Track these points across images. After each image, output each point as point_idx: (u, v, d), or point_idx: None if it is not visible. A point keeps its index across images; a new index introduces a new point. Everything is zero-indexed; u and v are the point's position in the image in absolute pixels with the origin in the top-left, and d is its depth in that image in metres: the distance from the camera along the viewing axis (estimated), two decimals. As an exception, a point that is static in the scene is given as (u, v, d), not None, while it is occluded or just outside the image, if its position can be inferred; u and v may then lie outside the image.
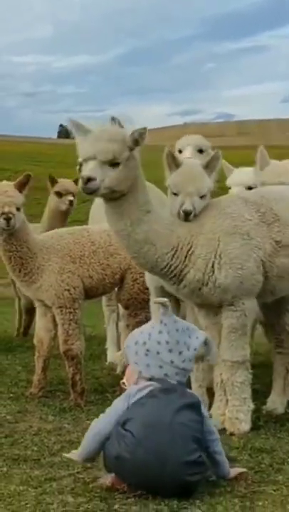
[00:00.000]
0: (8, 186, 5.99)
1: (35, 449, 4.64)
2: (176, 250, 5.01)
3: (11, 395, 6.12)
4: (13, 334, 9.43)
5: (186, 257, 5.01)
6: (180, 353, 4.06)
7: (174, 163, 5.14)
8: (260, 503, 3.75)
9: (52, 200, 8.05)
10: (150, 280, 5.63)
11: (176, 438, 3.79)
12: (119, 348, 6.84)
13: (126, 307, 6.39)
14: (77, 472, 4.00)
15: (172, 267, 5.02)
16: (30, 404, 5.86)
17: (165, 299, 4.17)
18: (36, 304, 6.25)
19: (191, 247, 5.02)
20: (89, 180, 4.67)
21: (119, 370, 4.31)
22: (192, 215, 5.02)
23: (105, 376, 6.96)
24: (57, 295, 5.91)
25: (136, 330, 4.27)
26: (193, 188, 5.04)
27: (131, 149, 4.79)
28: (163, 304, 4.11)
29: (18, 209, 5.88)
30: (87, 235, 6.19)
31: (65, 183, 8.07)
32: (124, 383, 4.17)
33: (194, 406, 3.97)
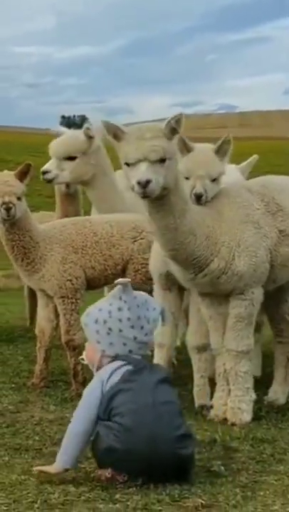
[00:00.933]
0: (8, 176, 5.94)
1: (37, 438, 4.65)
2: (208, 239, 4.97)
3: (13, 385, 6.13)
4: (16, 324, 9.41)
5: (213, 245, 4.98)
6: (142, 327, 4.07)
7: (186, 148, 5.13)
8: (262, 493, 3.75)
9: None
10: (154, 267, 5.59)
11: (162, 416, 3.83)
12: None
13: None
14: (79, 462, 4.00)
15: (202, 257, 4.97)
16: (32, 395, 5.87)
17: (127, 280, 4.18)
18: (38, 294, 6.25)
19: (216, 236, 4.99)
20: (148, 183, 4.44)
21: None
22: (204, 198, 5.03)
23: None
24: (59, 285, 5.90)
25: (91, 307, 4.21)
26: (203, 171, 5.05)
27: (170, 140, 4.61)
28: (124, 285, 4.11)
29: (18, 198, 5.83)
30: (90, 225, 6.18)
31: None
32: (83, 359, 4.19)
33: (167, 379, 4.04)
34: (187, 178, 5.07)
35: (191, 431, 4.06)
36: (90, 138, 6.56)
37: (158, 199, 4.64)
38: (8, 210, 5.74)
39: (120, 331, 4.06)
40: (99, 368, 4.07)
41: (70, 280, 5.92)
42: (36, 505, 3.54)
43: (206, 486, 3.82)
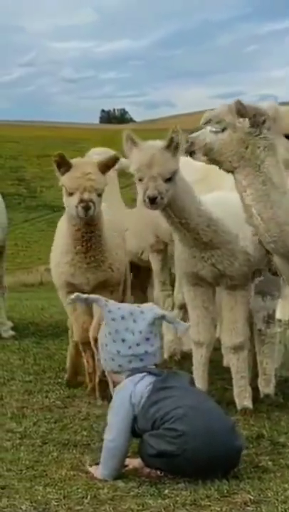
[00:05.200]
0: (91, 166, 5.32)
1: (85, 433, 4.69)
2: None
3: (59, 380, 6.18)
4: (60, 318, 9.47)
5: None
6: (123, 340, 4.04)
7: (135, 147, 4.87)
8: (311, 489, 3.74)
9: None
10: (180, 266, 5.42)
11: (211, 413, 3.87)
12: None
13: None
14: (128, 457, 4.02)
15: None
16: (78, 390, 5.90)
17: (75, 295, 4.22)
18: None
19: None
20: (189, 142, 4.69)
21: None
22: (158, 200, 4.72)
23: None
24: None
25: None
26: (155, 171, 4.73)
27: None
28: (95, 300, 4.18)
29: (99, 195, 5.27)
30: None
31: None
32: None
33: (192, 380, 4.15)
34: (140, 180, 4.80)
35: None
36: None
37: (236, 179, 4.65)
38: (87, 209, 5.22)
39: (106, 345, 4.09)
40: (115, 383, 4.11)
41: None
42: (86, 501, 3.58)
43: (254, 482, 3.81)
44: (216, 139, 4.64)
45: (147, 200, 4.73)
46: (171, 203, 4.85)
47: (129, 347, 4.03)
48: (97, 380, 5.57)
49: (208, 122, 4.69)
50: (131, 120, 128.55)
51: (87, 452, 4.32)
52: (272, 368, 5.70)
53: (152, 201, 4.72)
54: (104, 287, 5.63)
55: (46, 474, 3.94)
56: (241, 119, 4.59)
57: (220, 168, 4.76)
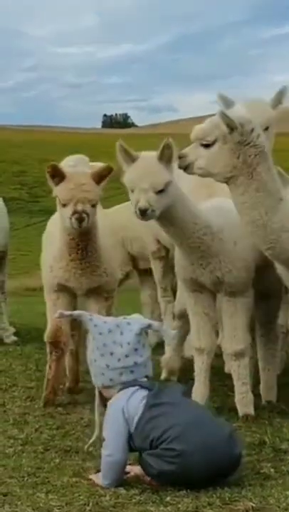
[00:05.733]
0: (84, 177, 5.30)
1: (87, 440, 4.66)
2: None
3: (61, 386, 6.18)
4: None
5: None
6: (111, 353, 4.02)
7: (129, 158, 4.90)
8: (313, 496, 3.74)
9: None
10: (178, 273, 5.47)
11: (206, 425, 3.89)
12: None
13: None
14: (130, 464, 4.03)
15: None
16: (81, 396, 5.91)
17: (58, 312, 4.30)
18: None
19: None
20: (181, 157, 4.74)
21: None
22: (149, 212, 4.75)
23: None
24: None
25: None
26: (147, 183, 4.76)
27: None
28: (78, 315, 4.20)
29: (93, 206, 5.25)
30: None
31: None
32: None
33: (185, 391, 4.14)
34: (132, 191, 4.84)
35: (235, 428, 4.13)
36: None
37: (232, 189, 4.69)
38: (80, 221, 5.20)
39: (95, 360, 4.09)
40: (104, 399, 4.11)
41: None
42: (88, 508, 3.58)
43: (256, 489, 3.82)
44: (207, 153, 4.69)
45: (138, 212, 4.75)
46: (165, 213, 4.87)
47: (119, 359, 4.01)
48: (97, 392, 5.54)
49: (198, 137, 4.73)
50: (133, 125, 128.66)
51: (89, 459, 4.33)
52: (274, 374, 5.72)
53: (143, 213, 4.75)
54: (98, 293, 5.64)
55: (48, 481, 3.95)
56: (229, 131, 4.62)
57: (214, 179, 4.80)
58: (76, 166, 7.16)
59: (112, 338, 4.03)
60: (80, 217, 5.14)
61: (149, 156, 4.91)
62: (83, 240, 5.40)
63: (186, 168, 4.79)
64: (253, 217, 4.66)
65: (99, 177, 5.29)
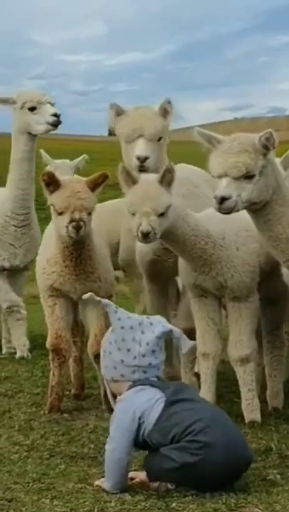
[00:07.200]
0: (80, 185, 5.29)
1: (92, 446, 4.68)
2: None
3: (67, 392, 6.16)
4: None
5: None
6: (128, 350, 4.02)
7: (130, 180, 4.90)
8: None
9: None
10: (184, 279, 5.46)
11: (228, 425, 3.93)
12: None
13: None
14: (135, 470, 4.01)
15: None
16: (86, 402, 5.91)
17: (88, 294, 4.27)
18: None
19: None
20: (223, 199, 4.43)
21: None
22: (152, 235, 4.74)
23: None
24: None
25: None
26: (149, 207, 4.75)
27: (264, 155, 4.52)
28: (106, 305, 4.15)
29: (89, 213, 5.24)
30: None
31: None
32: None
33: (197, 392, 4.29)
34: (133, 214, 4.81)
35: None
36: None
37: (258, 211, 4.61)
38: (78, 229, 5.18)
39: (110, 353, 4.08)
40: (114, 394, 4.11)
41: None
42: (93, 514, 3.57)
43: (262, 495, 3.80)
44: (250, 185, 4.49)
45: (140, 235, 4.75)
46: (165, 233, 4.89)
47: (134, 357, 4.02)
48: (102, 393, 5.54)
49: (243, 173, 4.48)
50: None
51: (94, 465, 4.31)
52: (280, 380, 5.69)
53: (145, 236, 4.75)
54: None
55: (53, 487, 3.94)
56: (265, 152, 4.52)
57: (251, 208, 4.61)
58: (56, 170, 7.27)
59: (133, 335, 4.04)
60: (77, 225, 5.13)
61: (150, 180, 4.92)
62: (78, 249, 5.40)
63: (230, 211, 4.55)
64: (276, 232, 4.65)
65: (94, 184, 5.29)
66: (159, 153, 5.40)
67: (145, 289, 6.12)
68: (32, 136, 7.22)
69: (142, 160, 5.26)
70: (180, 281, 6.09)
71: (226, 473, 3.80)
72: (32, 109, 7.11)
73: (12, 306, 7.72)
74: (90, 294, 4.31)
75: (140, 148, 5.31)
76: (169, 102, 5.46)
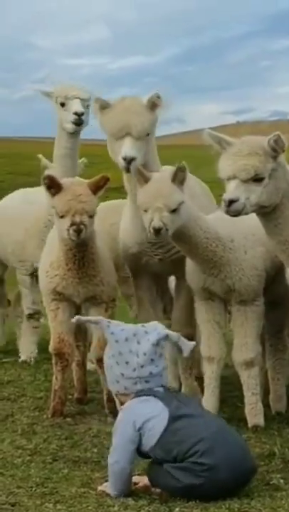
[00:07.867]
0: (81, 188, 5.26)
1: (95, 451, 4.68)
2: None
3: (70, 396, 6.16)
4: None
5: None
6: (126, 362, 4.00)
7: (143, 179, 4.95)
8: None
9: None
10: (191, 282, 5.43)
11: (230, 438, 3.89)
12: None
13: None
14: (138, 474, 4.01)
15: None
16: (89, 406, 5.90)
17: (76, 318, 4.31)
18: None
19: None
20: (231, 202, 4.40)
21: None
22: (163, 231, 4.78)
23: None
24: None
25: None
26: (161, 203, 4.79)
27: (274, 158, 4.49)
28: (95, 322, 4.17)
29: (91, 216, 5.22)
30: None
31: None
32: None
33: (200, 401, 4.22)
34: (145, 211, 4.86)
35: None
36: None
37: (268, 214, 4.58)
38: (78, 232, 5.18)
39: (111, 367, 4.07)
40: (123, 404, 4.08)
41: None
42: (96, 518, 3.57)
43: (265, 500, 3.80)
44: (259, 187, 4.47)
45: (152, 231, 4.78)
46: (177, 232, 4.91)
47: (134, 369, 3.99)
48: (105, 397, 5.53)
49: (251, 175, 4.44)
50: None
51: (97, 469, 4.31)
52: (283, 384, 5.69)
53: (157, 232, 4.78)
54: (98, 304, 5.60)
55: (56, 491, 3.94)
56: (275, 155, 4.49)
57: (260, 211, 4.58)
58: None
59: (129, 347, 4.01)
60: (78, 228, 5.13)
61: (162, 177, 4.97)
62: (80, 251, 5.39)
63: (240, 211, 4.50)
64: (286, 236, 4.64)
65: (95, 187, 5.27)
66: (146, 149, 5.30)
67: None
68: (70, 133, 6.53)
69: (129, 161, 5.18)
70: (171, 287, 6.13)
71: (231, 489, 3.80)
72: (62, 104, 6.46)
73: (34, 313, 7.70)
74: (77, 317, 4.34)
75: (127, 148, 5.19)
76: (158, 97, 5.30)
